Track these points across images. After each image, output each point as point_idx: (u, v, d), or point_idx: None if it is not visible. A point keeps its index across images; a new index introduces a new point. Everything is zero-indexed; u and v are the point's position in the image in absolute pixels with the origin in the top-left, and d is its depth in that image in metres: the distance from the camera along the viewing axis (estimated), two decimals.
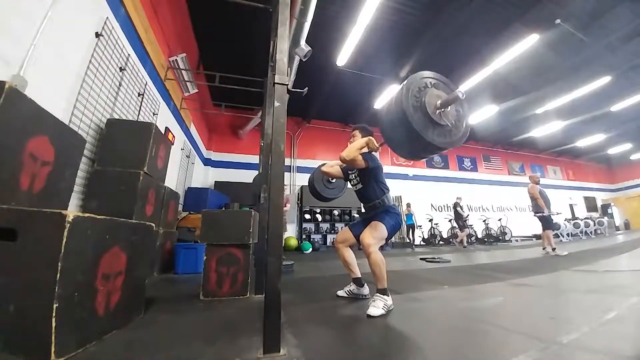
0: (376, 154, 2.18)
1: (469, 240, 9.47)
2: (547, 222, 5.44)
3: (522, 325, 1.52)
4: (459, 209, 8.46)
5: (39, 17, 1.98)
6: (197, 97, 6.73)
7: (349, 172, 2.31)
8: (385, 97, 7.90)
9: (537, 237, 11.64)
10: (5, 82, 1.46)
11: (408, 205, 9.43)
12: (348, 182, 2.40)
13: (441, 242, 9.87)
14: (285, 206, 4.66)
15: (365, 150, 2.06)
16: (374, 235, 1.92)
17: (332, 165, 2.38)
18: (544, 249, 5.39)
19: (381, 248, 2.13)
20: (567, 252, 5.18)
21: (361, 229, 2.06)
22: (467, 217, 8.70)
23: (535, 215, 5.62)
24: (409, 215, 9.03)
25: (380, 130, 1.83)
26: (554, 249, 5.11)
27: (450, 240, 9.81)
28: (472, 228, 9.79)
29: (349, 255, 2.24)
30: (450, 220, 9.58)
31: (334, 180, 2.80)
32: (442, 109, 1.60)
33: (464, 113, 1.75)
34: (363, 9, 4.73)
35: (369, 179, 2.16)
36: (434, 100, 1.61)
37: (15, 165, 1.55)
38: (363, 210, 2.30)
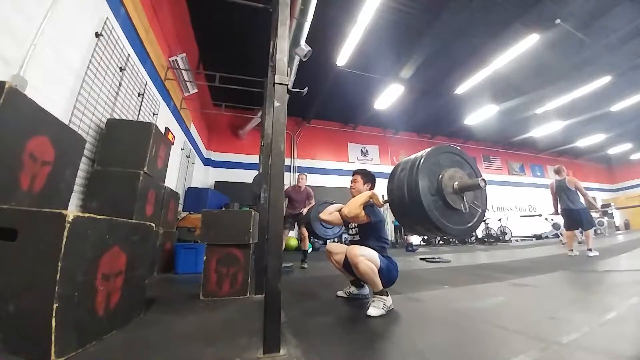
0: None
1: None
2: (591, 220, 4.66)
3: (522, 325, 1.51)
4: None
5: (39, 17, 1.98)
6: (197, 97, 6.72)
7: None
8: (386, 97, 7.89)
9: (538, 237, 11.66)
10: (5, 82, 1.46)
11: None
12: (346, 228, 2.28)
13: (441, 242, 9.87)
14: (310, 200, 4.48)
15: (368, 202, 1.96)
16: (362, 250, 1.84)
17: (332, 212, 2.22)
18: (571, 250, 4.68)
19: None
20: (597, 252, 4.48)
21: None
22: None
23: (571, 212, 4.70)
24: None
25: (387, 195, 1.72)
26: (590, 250, 4.42)
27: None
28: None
29: (342, 260, 2.14)
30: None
31: None
32: (460, 193, 1.48)
33: (482, 201, 1.59)
34: (363, 9, 4.73)
35: (369, 234, 2.03)
36: (451, 180, 1.47)
37: (15, 165, 1.55)
38: None
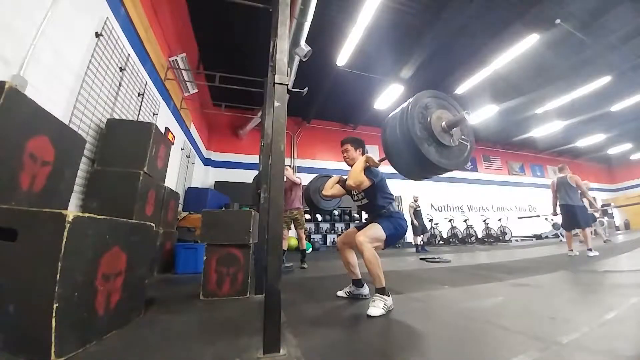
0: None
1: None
2: (588, 219, 4.64)
3: (522, 325, 1.51)
4: None
5: (39, 17, 1.98)
6: (197, 97, 6.73)
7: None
8: (386, 96, 7.89)
9: (538, 237, 11.66)
10: (5, 82, 1.46)
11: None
12: (350, 196, 2.32)
13: (441, 242, 9.87)
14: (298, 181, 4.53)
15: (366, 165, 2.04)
16: (367, 233, 1.92)
17: (332, 186, 2.28)
18: (571, 250, 4.59)
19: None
20: (597, 252, 4.43)
21: None
22: None
23: (568, 208, 4.65)
24: None
25: (382, 146, 1.80)
26: (590, 250, 4.39)
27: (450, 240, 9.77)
28: None
29: (351, 256, 2.23)
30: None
31: None
32: (448, 130, 1.60)
33: (468, 134, 1.73)
34: (363, 9, 4.73)
35: (374, 194, 2.10)
36: (439, 120, 1.60)
37: (15, 165, 1.55)
38: (365, 219, 2.26)
